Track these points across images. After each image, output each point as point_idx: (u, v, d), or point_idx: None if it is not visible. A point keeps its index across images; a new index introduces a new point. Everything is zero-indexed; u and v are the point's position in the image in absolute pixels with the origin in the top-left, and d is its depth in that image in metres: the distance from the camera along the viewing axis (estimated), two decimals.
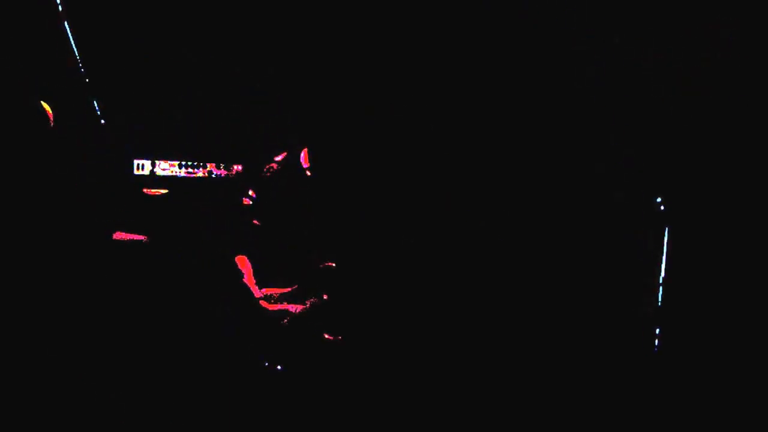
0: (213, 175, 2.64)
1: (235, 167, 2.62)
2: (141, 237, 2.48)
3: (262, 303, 2.06)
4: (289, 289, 2.07)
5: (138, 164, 2.72)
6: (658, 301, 2.21)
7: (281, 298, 2.05)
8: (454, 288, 2.41)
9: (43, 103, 2.55)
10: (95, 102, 2.56)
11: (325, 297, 2.00)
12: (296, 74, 2.79)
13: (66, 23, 2.54)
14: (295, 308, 2.04)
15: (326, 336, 1.97)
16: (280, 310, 2.02)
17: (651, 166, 2.60)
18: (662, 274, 2.24)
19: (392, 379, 2.03)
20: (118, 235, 2.52)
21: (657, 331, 2.16)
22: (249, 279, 2.13)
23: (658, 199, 2.45)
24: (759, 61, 2.52)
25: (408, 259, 2.47)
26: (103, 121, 2.53)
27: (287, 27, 2.81)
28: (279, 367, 1.97)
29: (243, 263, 2.19)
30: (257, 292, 2.08)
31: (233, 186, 2.60)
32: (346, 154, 2.38)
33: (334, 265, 2.04)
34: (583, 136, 2.81)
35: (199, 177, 2.66)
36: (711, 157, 2.56)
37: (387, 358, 2.06)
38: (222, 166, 2.63)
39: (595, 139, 2.79)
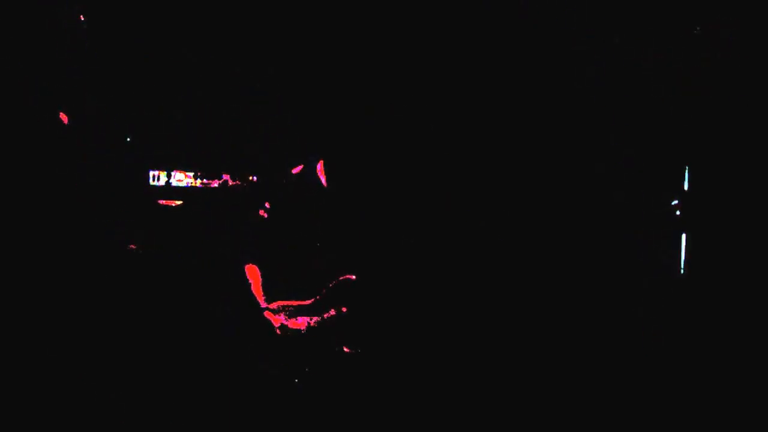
0: (228, 186, 2.72)
1: (250, 178, 2.69)
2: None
3: (267, 314, 2.13)
4: (308, 302, 2.16)
5: (153, 175, 2.79)
6: (663, 303, 2.31)
7: (297, 312, 2.13)
8: (474, 295, 2.50)
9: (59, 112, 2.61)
10: (120, 115, 2.61)
11: (344, 310, 2.10)
12: (313, 85, 2.83)
13: (87, 34, 2.57)
14: (300, 323, 2.11)
15: (345, 349, 2.07)
16: (281, 324, 2.09)
17: (655, 167, 2.67)
18: (679, 277, 2.31)
19: (414, 391, 2.13)
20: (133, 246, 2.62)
21: (662, 334, 2.26)
22: (256, 289, 2.20)
23: (675, 202, 2.51)
24: (759, 61, 2.56)
25: (419, 263, 2.56)
26: (128, 139, 2.60)
27: (307, 39, 2.84)
28: (296, 381, 2.06)
29: (252, 272, 2.26)
30: (263, 303, 2.15)
31: (248, 197, 2.68)
32: (363, 163, 2.44)
33: (354, 277, 2.12)
34: (583, 136, 2.87)
35: (214, 188, 2.75)
36: (713, 157, 2.62)
37: (408, 370, 2.16)
38: (237, 177, 2.71)
39: (595, 139, 2.85)
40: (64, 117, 2.63)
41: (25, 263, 2.46)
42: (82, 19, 2.50)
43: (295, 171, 2.33)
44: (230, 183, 2.72)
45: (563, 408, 2.23)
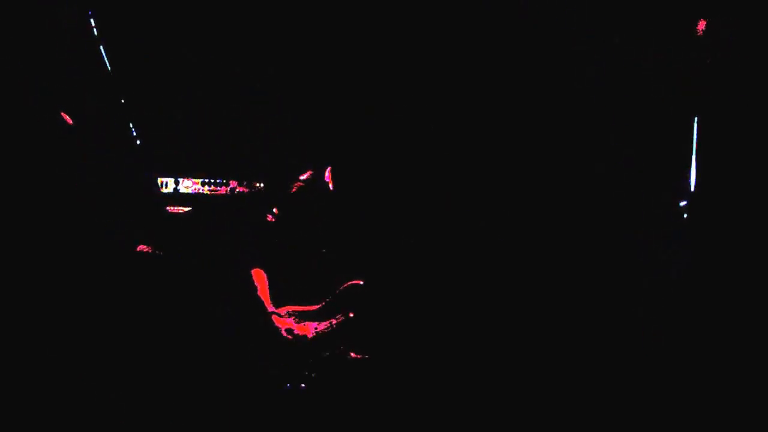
0: (235, 193, 2.77)
1: (257, 184, 2.75)
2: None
3: (274, 318, 2.17)
4: (315, 307, 2.20)
5: (162, 182, 2.85)
6: (662, 303, 2.35)
7: (304, 316, 2.17)
8: (481, 299, 2.55)
9: (63, 114, 2.64)
10: (130, 123, 2.65)
11: (351, 315, 2.15)
12: (317, 91, 2.87)
13: (101, 44, 2.60)
14: (307, 328, 2.14)
15: (352, 355, 2.12)
16: (288, 329, 2.12)
17: (655, 167, 2.70)
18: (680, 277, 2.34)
19: (421, 398, 2.17)
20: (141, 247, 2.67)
21: (662, 334, 2.30)
22: (263, 293, 2.23)
23: (683, 203, 2.53)
24: (759, 61, 2.56)
25: (423, 264, 2.61)
26: (138, 142, 2.64)
27: (313, 47, 2.87)
28: (302, 386, 2.11)
29: (259, 277, 2.30)
30: (270, 307, 2.18)
31: (255, 203, 2.73)
32: (367, 168, 2.48)
33: (361, 282, 2.16)
34: (583, 136, 2.90)
35: (222, 194, 2.80)
36: (713, 156, 2.64)
37: (415, 376, 2.21)
38: (244, 183, 2.76)
39: (595, 139, 2.88)
40: (68, 119, 2.67)
41: (37, 267, 2.53)
42: (92, 23, 2.53)
43: (303, 177, 2.36)
44: (237, 189, 2.78)
45: (566, 407, 2.29)
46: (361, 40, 2.89)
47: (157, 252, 2.67)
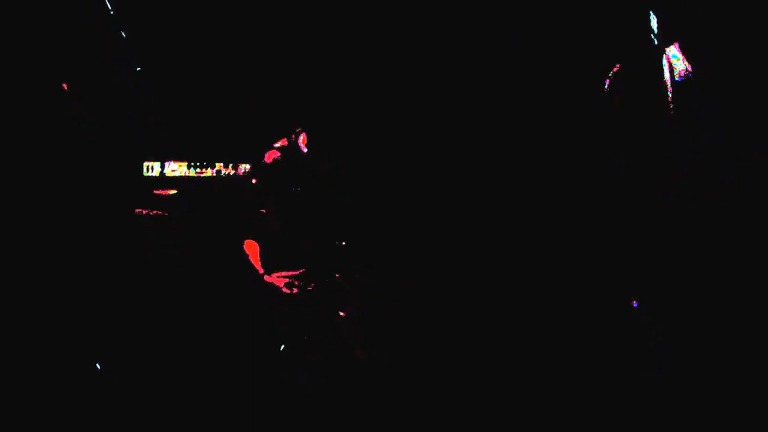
0: (221, 174, 2.71)
1: (243, 166, 2.69)
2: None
3: (266, 278, 2.10)
4: (298, 272, 2.13)
5: (147, 166, 2.80)
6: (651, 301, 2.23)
7: (291, 280, 2.10)
8: (486, 298, 2.44)
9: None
10: (126, 107, 2.64)
11: (336, 276, 2.07)
12: (301, 73, 2.87)
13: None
14: (295, 290, 2.08)
15: (358, 353, 2.03)
16: (278, 287, 2.04)
17: (650, 165, 2.64)
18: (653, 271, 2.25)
19: (426, 396, 2.02)
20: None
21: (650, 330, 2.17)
22: (254, 259, 2.16)
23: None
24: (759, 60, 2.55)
25: (434, 266, 2.51)
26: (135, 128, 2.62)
27: (291, 28, 2.90)
28: (309, 386, 2.01)
29: (251, 247, 2.23)
30: (261, 269, 2.12)
31: (241, 184, 2.67)
32: (349, 134, 2.43)
33: (343, 243, 2.10)
34: (584, 135, 2.86)
35: (208, 176, 2.74)
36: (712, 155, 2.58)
37: (422, 375, 2.07)
38: (230, 165, 2.71)
39: (596, 138, 2.84)
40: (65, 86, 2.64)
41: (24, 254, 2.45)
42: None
43: (278, 144, 2.30)
44: (224, 171, 2.71)
45: (569, 404, 2.11)
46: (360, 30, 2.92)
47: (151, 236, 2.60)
